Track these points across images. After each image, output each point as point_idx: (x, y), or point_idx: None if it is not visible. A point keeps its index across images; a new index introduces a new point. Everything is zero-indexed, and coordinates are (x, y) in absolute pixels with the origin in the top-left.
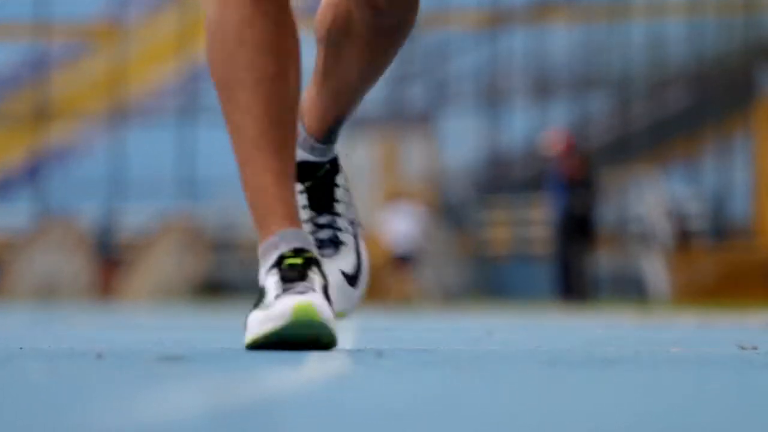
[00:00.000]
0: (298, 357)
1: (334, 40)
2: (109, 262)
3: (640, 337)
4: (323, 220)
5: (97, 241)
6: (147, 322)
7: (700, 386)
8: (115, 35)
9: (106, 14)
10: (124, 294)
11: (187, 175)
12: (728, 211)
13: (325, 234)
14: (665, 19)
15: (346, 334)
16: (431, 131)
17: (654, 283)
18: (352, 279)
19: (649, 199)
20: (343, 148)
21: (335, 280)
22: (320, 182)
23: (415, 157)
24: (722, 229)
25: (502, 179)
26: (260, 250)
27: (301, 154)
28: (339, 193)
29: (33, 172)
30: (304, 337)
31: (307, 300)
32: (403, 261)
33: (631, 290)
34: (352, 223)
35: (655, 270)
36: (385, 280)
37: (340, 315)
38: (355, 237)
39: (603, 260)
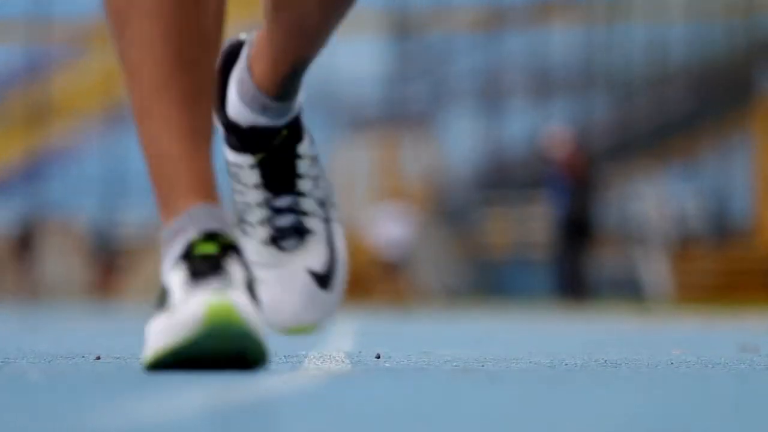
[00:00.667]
0: (297, 357)
1: None
2: (107, 262)
3: (640, 338)
4: (282, 202)
5: (95, 241)
6: (145, 323)
7: (702, 388)
8: None
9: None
10: (123, 295)
11: None
12: (728, 211)
13: (285, 221)
14: (665, 19)
15: (345, 336)
16: (431, 131)
17: (653, 284)
18: (323, 279)
19: (649, 199)
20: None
21: (300, 282)
22: (276, 153)
23: (415, 157)
24: (722, 229)
25: (502, 180)
26: (163, 236)
27: (250, 117)
28: (303, 166)
29: (30, 173)
30: (223, 352)
31: (224, 300)
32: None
33: (631, 291)
34: (322, 204)
35: (655, 270)
36: (377, 284)
37: (308, 328)
38: (327, 222)
39: (603, 261)
